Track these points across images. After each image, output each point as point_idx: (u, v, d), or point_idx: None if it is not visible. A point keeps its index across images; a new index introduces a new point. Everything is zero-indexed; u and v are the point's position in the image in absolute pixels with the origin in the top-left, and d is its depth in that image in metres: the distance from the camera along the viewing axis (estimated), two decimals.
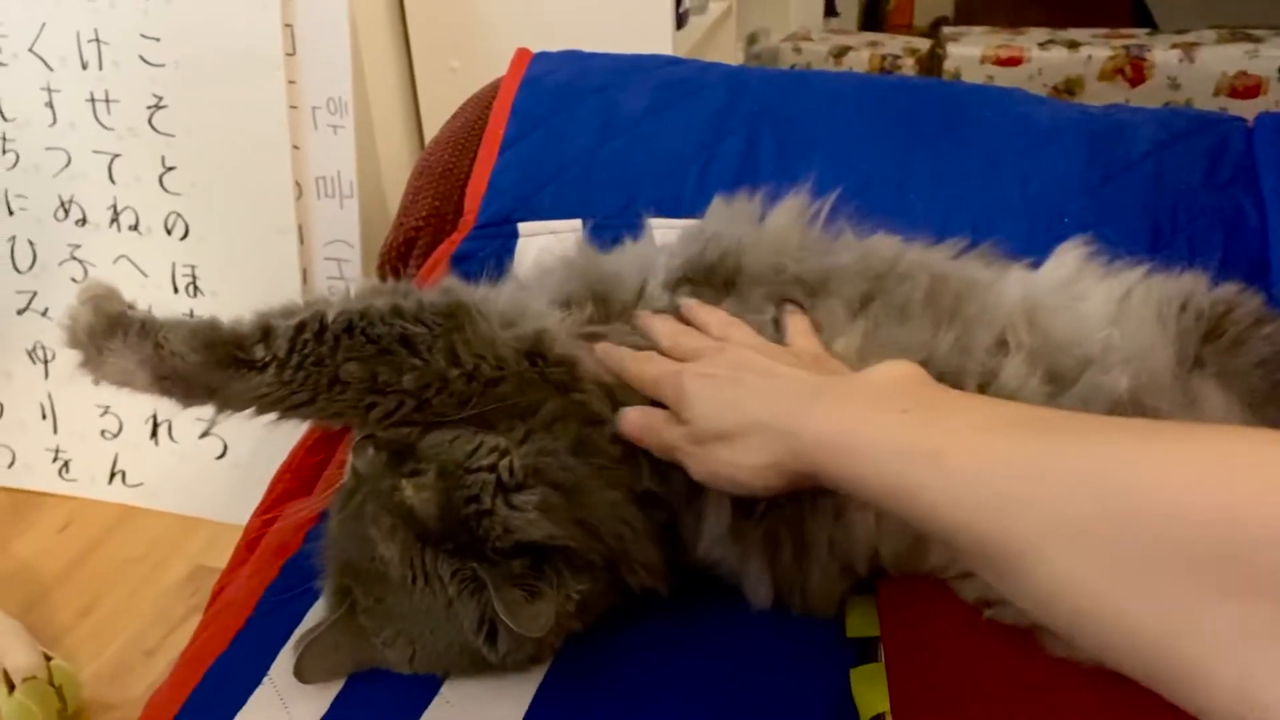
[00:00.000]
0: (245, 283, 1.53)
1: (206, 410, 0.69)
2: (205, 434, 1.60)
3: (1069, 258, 0.80)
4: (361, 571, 0.65)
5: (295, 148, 1.48)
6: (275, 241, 1.50)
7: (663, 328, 0.73)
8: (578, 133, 0.99)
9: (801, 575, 0.71)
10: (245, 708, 0.66)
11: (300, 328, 0.65)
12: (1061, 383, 0.71)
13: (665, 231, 0.90)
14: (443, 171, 1.00)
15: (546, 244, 0.92)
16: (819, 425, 0.57)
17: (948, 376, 0.69)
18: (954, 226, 0.85)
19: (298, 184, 1.49)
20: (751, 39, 2.61)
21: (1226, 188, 0.90)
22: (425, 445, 0.65)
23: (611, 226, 0.89)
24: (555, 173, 0.97)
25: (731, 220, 0.81)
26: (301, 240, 1.51)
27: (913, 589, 0.72)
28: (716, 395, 0.63)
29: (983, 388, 0.71)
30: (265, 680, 0.67)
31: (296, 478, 0.93)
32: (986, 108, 1.00)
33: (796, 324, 0.73)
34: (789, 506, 0.69)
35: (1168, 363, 0.72)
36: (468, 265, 0.93)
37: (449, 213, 0.98)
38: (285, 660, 0.69)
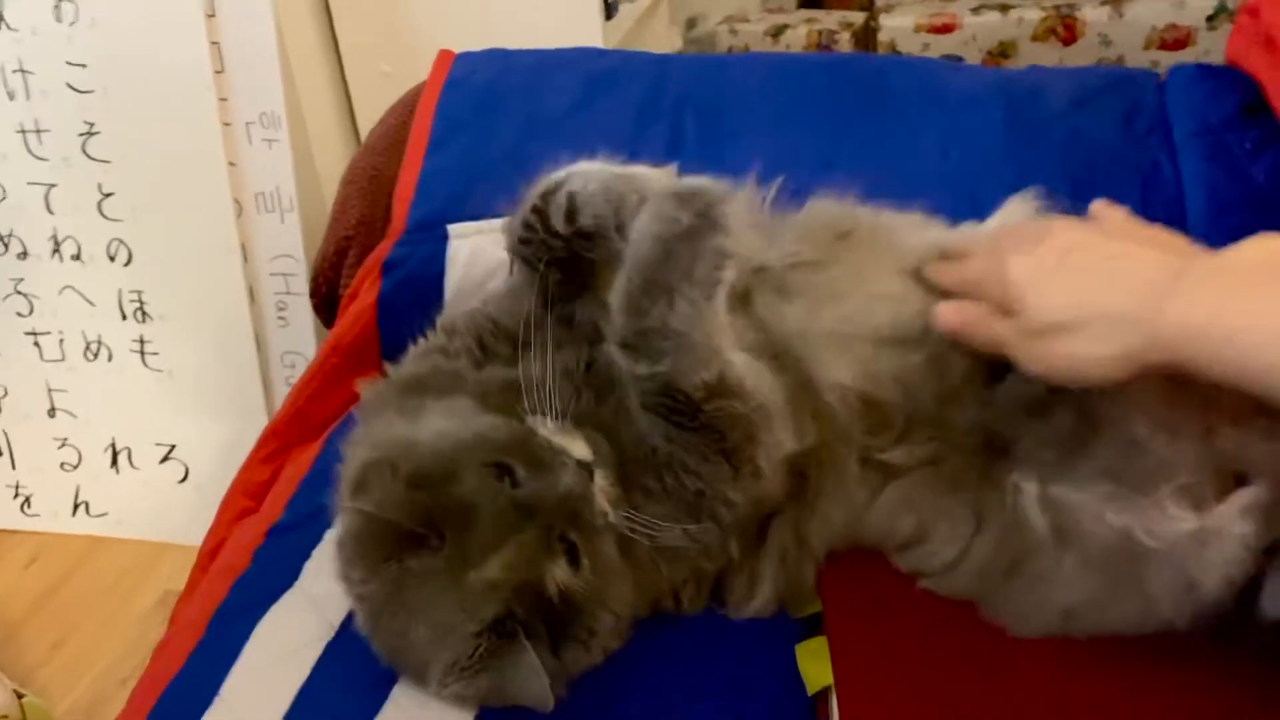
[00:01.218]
0: (193, 305, 1.52)
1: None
2: (165, 459, 1.60)
3: (1016, 212, 0.82)
4: (462, 522, 0.62)
5: (231, 165, 1.47)
6: (220, 261, 1.49)
7: (971, 235, 0.73)
8: (504, 131, 1.00)
9: (800, 573, 0.73)
10: None
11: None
12: (996, 378, 0.72)
13: None
14: (371, 178, 1.00)
15: (478, 245, 0.92)
16: (1185, 311, 0.53)
17: (904, 375, 0.71)
18: (880, 199, 0.86)
19: (237, 201, 1.48)
20: (690, 24, 2.62)
21: (1142, 142, 0.92)
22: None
23: None
24: (483, 173, 0.97)
25: None
26: (245, 258, 1.50)
27: (851, 566, 0.73)
28: (1049, 283, 0.59)
29: (937, 389, 0.72)
30: (217, 700, 0.68)
31: (249, 494, 0.93)
32: (906, 79, 1.01)
33: (1101, 205, 0.70)
34: (790, 511, 0.71)
35: None
36: (399, 271, 0.93)
37: (379, 219, 0.98)
38: (237, 678, 0.69)
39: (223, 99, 1.45)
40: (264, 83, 1.45)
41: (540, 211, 0.72)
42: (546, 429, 0.66)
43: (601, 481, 0.65)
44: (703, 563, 0.70)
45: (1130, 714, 0.63)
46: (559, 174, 0.73)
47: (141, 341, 1.56)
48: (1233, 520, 0.66)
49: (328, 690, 0.68)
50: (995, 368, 0.73)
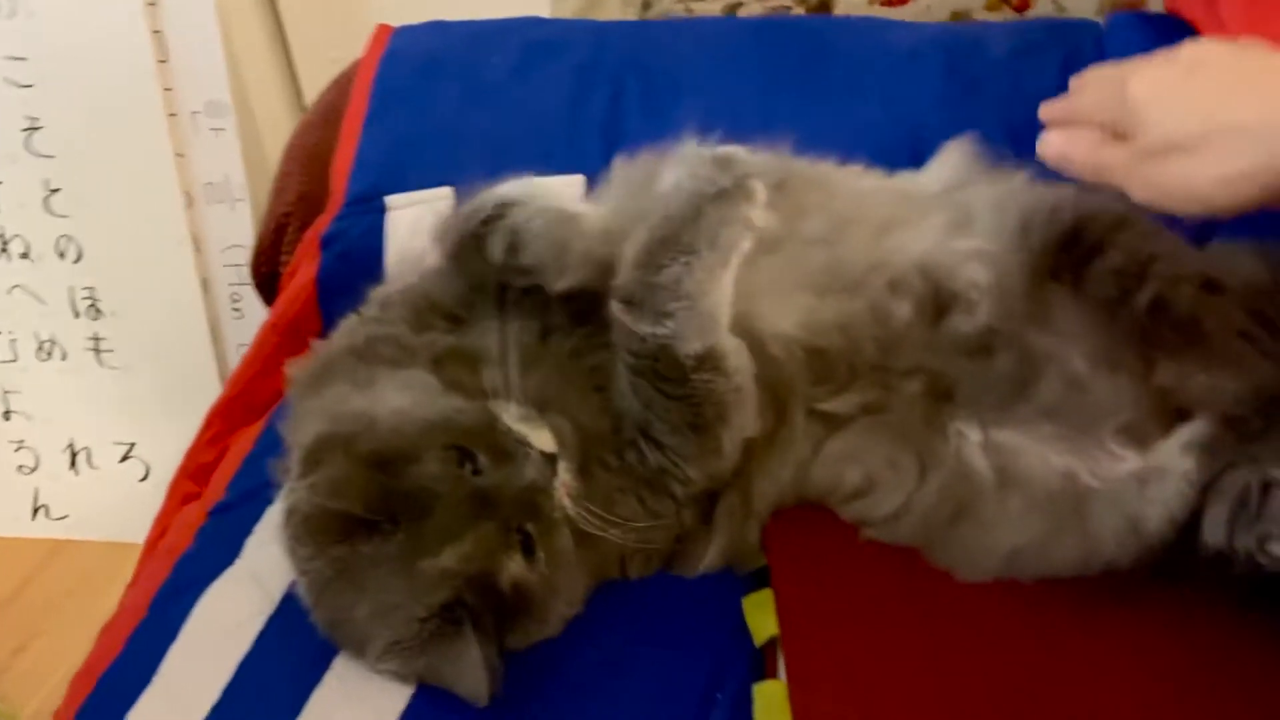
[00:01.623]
0: (146, 300, 1.49)
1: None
2: (125, 458, 1.58)
3: (954, 157, 0.82)
4: (420, 508, 0.61)
5: (179, 155, 1.44)
6: (172, 254, 1.47)
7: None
8: (442, 101, 0.98)
9: (746, 532, 0.72)
10: (134, 709, 0.65)
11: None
12: (937, 321, 0.72)
13: None
14: (310, 154, 0.98)
15: (418, 216, 0.91)
16: None
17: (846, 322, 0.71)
18: (821, 152, 0.85)
19: (187, 193, 1.46)
20: (645, 4, 2.59)
21: None
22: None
23: None
24: (422, 144, 0.96)
25: (629, 192, 0.79)
26: (197, 249, 1.48)
27: (795, 518, 0.73)
28: (1174, 97, 0.55)
29: (879, 335, 0.72)
30: (155, 678, 0.66)
31: (194, 478, 0.92)
32: (847, 36, 1.00)
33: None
34: (740, 478, 0.71)
35: (1022, 282, 0.73)
36: (338, 246, 0.92)
37: (318, 195, 0.96)
38: (176, 657, 0.68)
39: (167, 89, 1.43)
40: (209, 71, 1.43)
41: (479, 238, 0.70)
42: (511, 415, 0.65)
43: (564, 475, 0.64)
44: (653, 536, 0.70)
45: (1075, 649, 0.63)
46: (501, 193, 0.71)
47: (96, 339, 1.53)
48: (1174, 457, 0.66)
49: (269, 663, 0.67)
50: (938, 310, 0.72)
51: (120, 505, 1.56)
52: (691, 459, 0.67)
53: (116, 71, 1.40)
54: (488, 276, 0.71)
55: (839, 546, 0.70)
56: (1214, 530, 0.63)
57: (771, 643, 0.67)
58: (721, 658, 0.67)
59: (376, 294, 0.77)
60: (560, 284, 0.68)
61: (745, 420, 0.68)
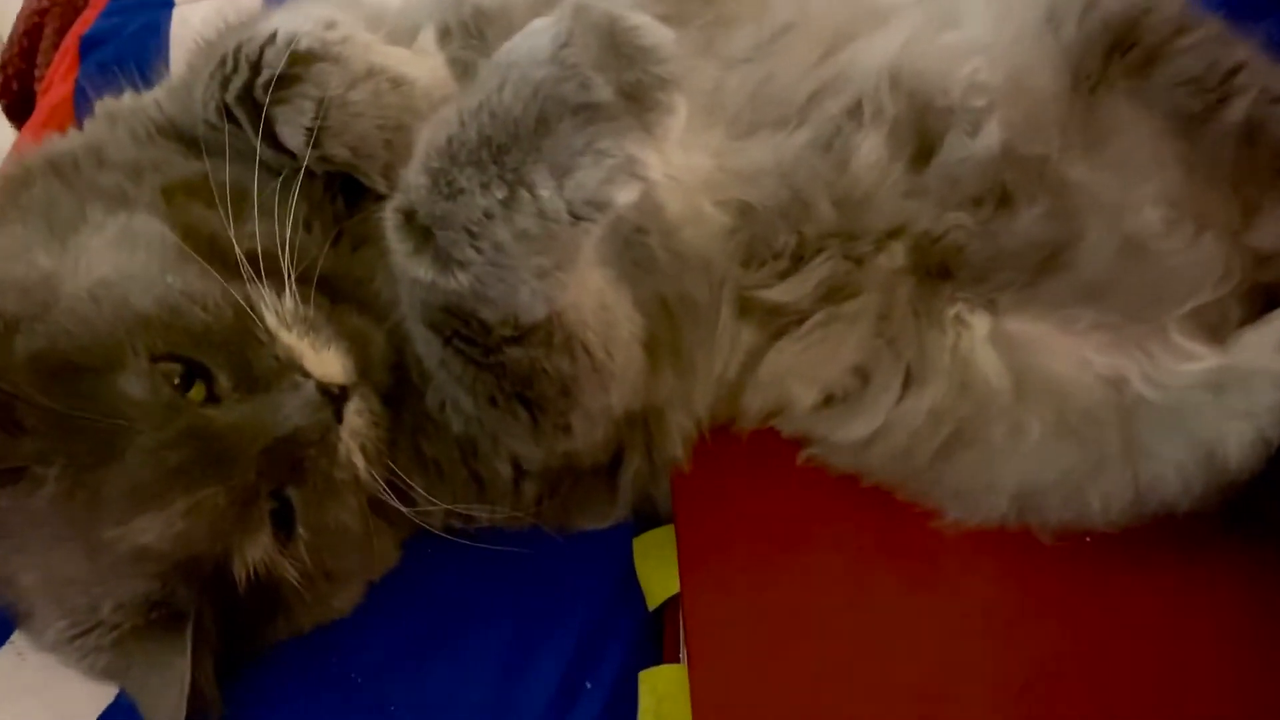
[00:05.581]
0: None
1: None
2: None
3: None
4: (99, 448, 0.40)
5: None
6: None
7: None
8: None
9: (658, 487, 0.54)
10: None
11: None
12: (924, 157, 0.52)
13: None
14: None
15: (216, 11, 0.67)
16: None
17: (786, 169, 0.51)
18: None
19: None
20: None
21: None
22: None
23: None
24: None
25: None
26: None
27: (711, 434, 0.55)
28: None
29: (838, 184, 0.51)
30: None
31: None
32: None
33: None
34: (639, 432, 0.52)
35: (1053, 87, 0.53)
36: (106, 49, 0.70)
37: None
38: None
39: None
40: None
41: (260, 110, 0.46)
42: (280, 317, 0.43)
43: (357, 420, 0.43)
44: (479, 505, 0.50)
45: (1094, 631, 0.46)
46: (292, 34, 0.46)
47: None
48: (1266, 352, 0.48)
49: None
50: (923, 140, 0.51)
51: None
52: (521, 439, 0.46)
53: None
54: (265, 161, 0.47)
55: (767, 476, 0.51)
56: None
57: (671, 606, 0.48)
58: (597, 628, 0.49)
59: (103, 106, 0.55)
60: (388, 182, 0.46)
61: (609, 401, 0.47)
